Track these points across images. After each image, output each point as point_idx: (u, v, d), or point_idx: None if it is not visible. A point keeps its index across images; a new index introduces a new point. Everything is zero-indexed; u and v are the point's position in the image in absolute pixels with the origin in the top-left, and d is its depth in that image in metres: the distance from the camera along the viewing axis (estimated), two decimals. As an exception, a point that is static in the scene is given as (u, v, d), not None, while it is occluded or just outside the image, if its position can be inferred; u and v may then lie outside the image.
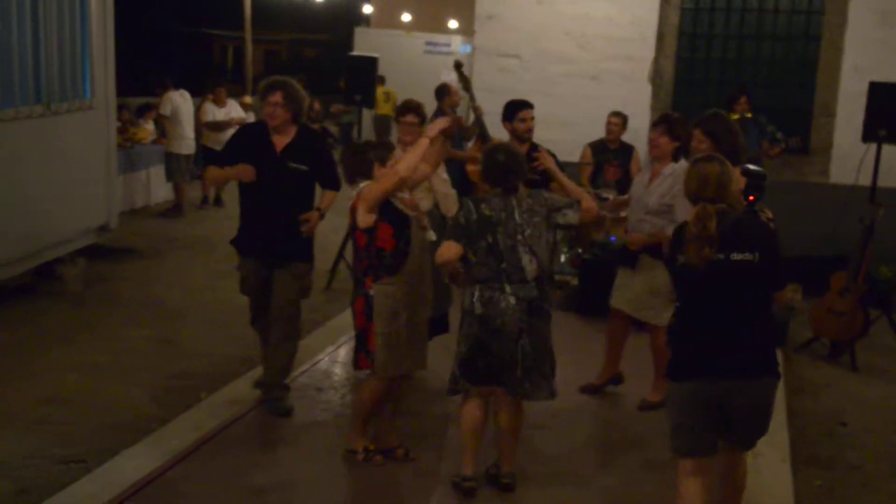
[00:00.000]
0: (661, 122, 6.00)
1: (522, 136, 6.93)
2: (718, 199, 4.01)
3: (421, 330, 5.08)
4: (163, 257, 9.82)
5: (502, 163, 4.70)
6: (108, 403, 5.86)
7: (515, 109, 7.02)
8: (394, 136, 9.05)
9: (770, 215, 4.74)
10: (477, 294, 4.68)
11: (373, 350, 4.91)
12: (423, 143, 4.91)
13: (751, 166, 4.62)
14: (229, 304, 7.45)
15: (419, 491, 4.96)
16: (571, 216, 4.72)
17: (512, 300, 4.63)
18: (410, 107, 6.19)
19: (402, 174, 4.80)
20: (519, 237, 4.64)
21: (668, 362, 4.20)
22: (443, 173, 6.18)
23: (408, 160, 4.85)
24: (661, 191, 5.81)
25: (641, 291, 5.89)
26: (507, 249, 4.64)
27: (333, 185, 5.79)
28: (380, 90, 17.85)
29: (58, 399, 5.88)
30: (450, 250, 4.67)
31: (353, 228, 4.95)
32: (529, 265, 4.64)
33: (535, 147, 6.51)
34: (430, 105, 9.27)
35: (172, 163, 11.98)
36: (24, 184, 7.51)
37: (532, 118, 7.00)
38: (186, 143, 12.05)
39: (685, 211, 5.63)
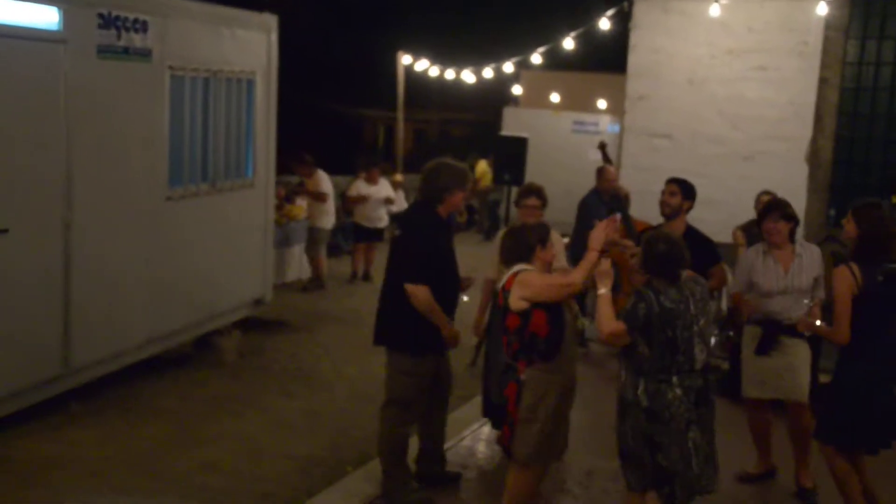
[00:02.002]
0: (775, 210, 6.05)
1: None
2: None
3: (566, 419, 5.07)
4: (313, 330, 10.15)
5: (663, 253, 4.66)
6: (260, 473, 6.08)
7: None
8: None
9: None
10: (642, 387, 4.61)
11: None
12: (593, 256, 4.79)
13: None
14: (375, 378, 7.61)
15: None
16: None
17: (679, 391, 4.56)
18: (533, 189, 6.16)
19: (575, 288, 4.75)
20: (695, 328, 4.61)
21: None
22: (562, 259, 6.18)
23: (581, 274, 4.76)
24: (810, 269, 5.93)
25: (780, 369, 5.88)
26: (684, 341, 4.59)
27: None
28: (482, 164, 18.24)
29: (215, 466, 6.15)
30: (617, 326, 4.62)
31: (504, 309, 4.86)
32: (700, 354, 4.62)
33: (690, 230, 6.37)
34: (586, 183, 9.44)
35: (314, 236, 12.36)
36: (188, 258, 8.01)
37: (670, 193, 6.49)
38: (329, 218, 12.58)
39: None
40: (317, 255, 12.47)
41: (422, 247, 5.44)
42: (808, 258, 5.99)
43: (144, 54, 7.32)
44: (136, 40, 7.21)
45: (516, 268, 4.86)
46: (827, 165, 10.07)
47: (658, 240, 4.74)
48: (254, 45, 8.91)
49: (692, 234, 6.30)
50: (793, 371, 5.88)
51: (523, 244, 4.93)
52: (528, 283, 4.75)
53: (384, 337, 5.65)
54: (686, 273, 4.74)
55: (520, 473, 4.91)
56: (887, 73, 9.98)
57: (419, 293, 5.31)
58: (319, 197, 12.37)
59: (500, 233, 6.41)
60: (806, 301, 5.86)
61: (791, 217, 6.02)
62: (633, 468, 4.70)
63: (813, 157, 10.00)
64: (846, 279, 5.17)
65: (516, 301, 4.75)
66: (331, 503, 5.64)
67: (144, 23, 7.27)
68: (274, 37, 9.17)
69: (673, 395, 4.55)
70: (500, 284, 4.95)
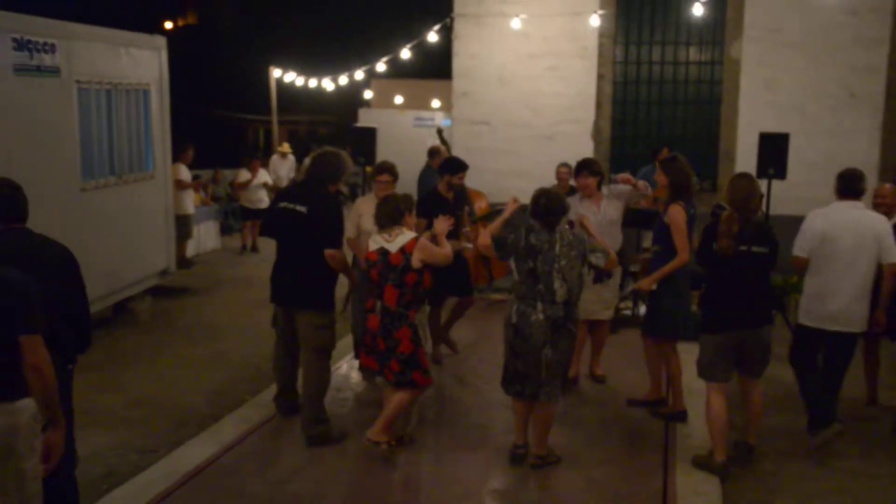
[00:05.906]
0: (583, 168, 6.28)
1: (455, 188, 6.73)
2: (747, 206, 4.69)
3: None
4: (211, 293, 10.01)
5: (543, 205, 4.78)
6: (174, 406, 6.06)
7: (456, 169, 6.76)
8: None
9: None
10: (515, 307, 4.76)
11: (428, 367, 5.00)
12: (442, 239, 5.08)
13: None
14: (263, 327, 7.58)
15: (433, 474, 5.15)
16: (601, 260, 4.78)
17: (541, 317, 4.66)
18: (385, 167, 6.12)
19: (450, 255, 5.02)
20: (556, 265, 4.67)
21: (703, 319, 4.88)
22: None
23: (447, 248, 5.03)
24: (614, 207, 6.24)
25: (593, 294, 6.04)
26: (544, 274, 4.68)
27: None
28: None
29: (137, 403, 6.09)
30: (485, 237, 4.91)
31: (404, 268, 4.86)
32: (560, 289, 4.66)
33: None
34: (420, 162, 9.60)
35: (181, 223, 10.90)
36: (104, 238, 7.76)
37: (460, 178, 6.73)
38: (185, 204, 11.17)
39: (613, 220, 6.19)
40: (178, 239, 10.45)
41: (339, 218, 5.25)
42: (613, 195, 6.24)
43: (54, 71, 7.02)
44: (47, 60, 6.91)
45: (408, 234, 4.93)
46: (607, 141, 10.60)
47: (541, 195, 4.83)
48: (147, 62, 8.63)
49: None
50: (602, 293, 6.17)
51: (397, 211, 4.99)
52: (426, 249, 4.89)
53: (304, 299, 5.26)
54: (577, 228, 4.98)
55: (408, 393, 5.00)
56: (646, 70, 10.58)
57: (339, 256, 5.20)
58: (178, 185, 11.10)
59: (358, 200, 6.48)
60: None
61: (597, 172, 6.24)
62: (506, 375, 4.89)
63: (597, 134, 10.50)
64: (681, 213, 5.50)
65: (417, 262, 4.87)
66: (235, 424, 5.63)
67: (53, 45, 6.97)
68: (164, 54, 8.88)
69: (536, 319, 4.66)
70: (390, 246, 4.90)
